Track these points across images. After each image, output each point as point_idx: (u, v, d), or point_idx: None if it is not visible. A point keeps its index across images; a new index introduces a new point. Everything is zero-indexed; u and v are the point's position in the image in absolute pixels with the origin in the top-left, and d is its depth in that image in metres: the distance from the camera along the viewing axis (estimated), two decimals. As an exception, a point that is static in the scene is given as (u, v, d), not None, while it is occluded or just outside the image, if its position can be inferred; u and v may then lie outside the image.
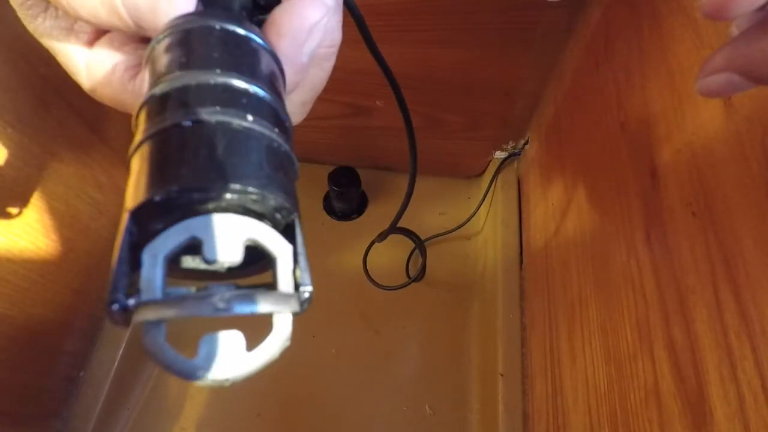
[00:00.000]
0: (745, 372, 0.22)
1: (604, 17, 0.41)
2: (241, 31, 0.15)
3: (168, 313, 0.11)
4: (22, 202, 0.45)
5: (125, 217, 0.12)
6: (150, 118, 0.14)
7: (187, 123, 0.13)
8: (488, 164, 0.72)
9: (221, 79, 0.14)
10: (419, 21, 0.47)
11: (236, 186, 0.12)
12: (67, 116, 0.49)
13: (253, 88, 0.14)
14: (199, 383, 0.11)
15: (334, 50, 0.18)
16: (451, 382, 0.63)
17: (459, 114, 0.61)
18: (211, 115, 0.13)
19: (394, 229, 0.46)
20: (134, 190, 0.12)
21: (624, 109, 0.36)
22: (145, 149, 0.13)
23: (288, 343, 0.12)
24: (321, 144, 0.72)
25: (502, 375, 0.56)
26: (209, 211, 0.13)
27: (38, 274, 0.50)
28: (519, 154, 0.68)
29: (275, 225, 0.14)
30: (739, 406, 0.22)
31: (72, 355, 0.59)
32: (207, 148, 0.13)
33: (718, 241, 0.24)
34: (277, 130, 0.14)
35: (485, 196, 0.69)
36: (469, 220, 0.69)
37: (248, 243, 0.13)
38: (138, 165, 0.13)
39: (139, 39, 0.18)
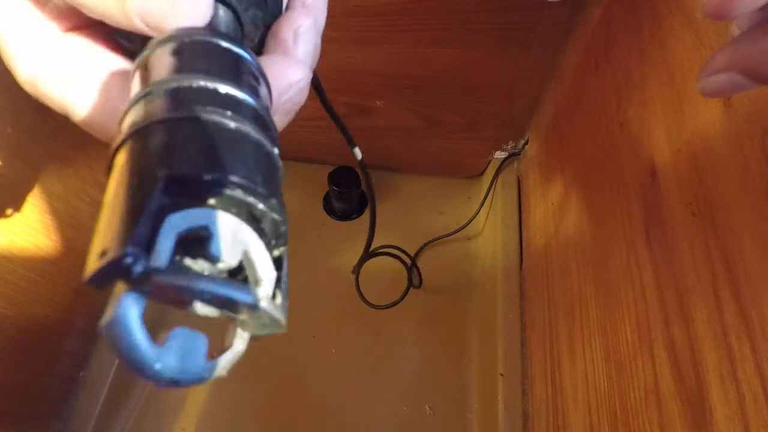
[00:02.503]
0: (745, 372, 0.22)
1: (604, 17, 0.41)
2: (238, 50, 0.16)
3: (178, 280, 0.11)
4: (22, 202, 0.45)
5: (162, 177, 0.12)
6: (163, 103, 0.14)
7: (214, 118, 0.13)
8: (488, 164, 0.72)
9: (219, 85, 0.14)
10: (419, 21, 0.47)
11: (273, 201, 0.13)
12: (67, 116, 0.49)
13: (248, 100, 0.15)
14: (147, 376, 0.11)
15: (297, 108, 0.20)
16: (451, 382, 0.63)
17: (459, 114, 0.61)
18: (221, 117, 0.13)
19: (368, 255, 0.43)
20: (175, 158, 0.12)
21: (624, 109, 0.36)
22: (188, 127, 0.13)
23: (237, 360, 0.13)
24: (321, 144, 0.72)
25: (502, 375, 0.56)
26: (223, 208, 0.13)
27: (38, 274, 0.50)
28: (519, 154, 0.68)
29: (262, 236, 0.14)
30: (739, 406, 0.22)
31: (72, 355, 0.59)
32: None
33: (718, 241, 0.24)
34: (274, 147, 0.15)
35: (485, 196, 0.69)
36: (470, 221, 0.69)
37: (242, 256, 0.13)
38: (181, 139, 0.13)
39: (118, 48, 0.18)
